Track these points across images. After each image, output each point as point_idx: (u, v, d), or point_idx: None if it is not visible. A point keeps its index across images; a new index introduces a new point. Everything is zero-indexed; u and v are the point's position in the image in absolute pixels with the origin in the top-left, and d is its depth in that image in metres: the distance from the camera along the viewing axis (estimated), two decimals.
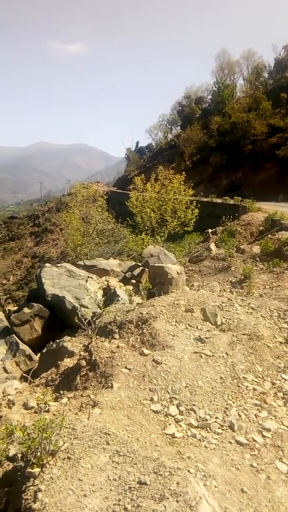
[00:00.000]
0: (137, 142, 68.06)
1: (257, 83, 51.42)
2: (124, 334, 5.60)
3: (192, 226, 17.97)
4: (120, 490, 2.33)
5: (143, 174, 21.18)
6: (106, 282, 10.44)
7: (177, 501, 2.18)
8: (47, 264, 10.83)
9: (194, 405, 3.95)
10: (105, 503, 2.23)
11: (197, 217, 17.86)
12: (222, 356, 4.89)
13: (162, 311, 6.04)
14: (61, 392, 4.31)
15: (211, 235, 18.76)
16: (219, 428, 3.73)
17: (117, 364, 4.46)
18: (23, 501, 2.32)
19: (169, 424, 3.67)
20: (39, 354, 7.55)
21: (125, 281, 11.19)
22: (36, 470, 2.50)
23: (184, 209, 17.84)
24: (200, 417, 3.83)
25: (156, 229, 17.73)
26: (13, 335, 8.22)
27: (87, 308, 8.51)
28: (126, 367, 4.46)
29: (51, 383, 4.76)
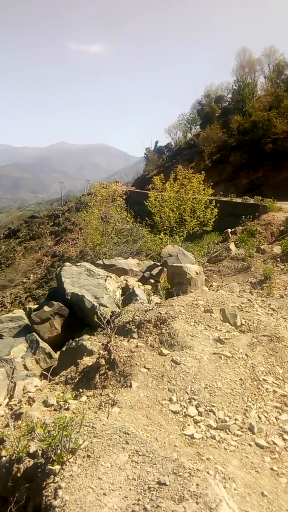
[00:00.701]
0: (156, 142, 67.98)
1: (278, 81, 50.53)
2: (143, 333, 5.60)
3: (211, 226, 17.83)
4: (140, 489, 2.33)
5: (162, 174, 21.11)
6: (124, 282, 10.47)
7: (197, 503, 2.16)
8: (66, 263, 10.93)
9: (213, 406, 3.92)
10: (124, 502, 2.24)
11: (216, 216, 17.71)
12: (242, 357, 4.83)
13: (180, 311, 6.02)
14: (81, 390, 4.34)
15: (230, 235, 18.60)
16: (238, 430, 3.69)
17: (136, 364, 4.47)
18: (44, 498, 2.35)
19: (188, 425, 3.65)
20: (58, 352, 7.64)
21: (143, 280, 11.20)
22: (56, 467, 2.53)
23: (203, 209, 17.72)
24: (219, 418, 3.80)
25: (175, 229, 17.67)
26: (34, 333, 8.33)
27: (106, 307, 8.56)
28: (145, 367, 4.46)
29: (70, 381, 4.80)
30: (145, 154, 61.25)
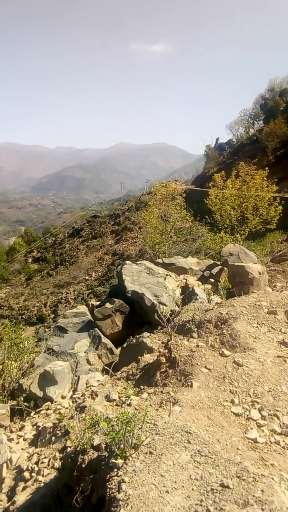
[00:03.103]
0: (217, 139, 66.67)
1: None
2: (203, 333, 5.53)
3: (275, 224, 17.14)
4: (202, 490, 2.31)
5: (223, 171, 20.69)
6: (184, 281, 10.43)
7: (262, 509, 2.10)
8: (127, 262, 11.13)
9: (277, 410, 3.77)
10: (187, 501, 2.23)
11: (281, 214, 16.99)
12: None
13: (242, 312, 5.85)
14: (141, 387, 4.40)
15: None
16: None
17: (197, 363, 4.43)
18: (108, 490, 2.42)
19: (251, 428, 3.55)
20: (119, 348, 7.81)
21: (203, 279, 11.07)
22: (120, 461, 2.59)
23: (267, 206, 17.10)
24: (284, 423, 3.64)
25: (236, 227, 17.25)
26: (96, 328, 8.60)
27: (166, 305, 8.59)
28: (205, 367, 4.41)
29: (131, 378, 4.89)
30: (205, 151, 60.35)
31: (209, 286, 10.10)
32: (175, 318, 6.41)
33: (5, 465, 4.27)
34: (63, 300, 42.07)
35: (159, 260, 12.47)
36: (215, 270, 11.42)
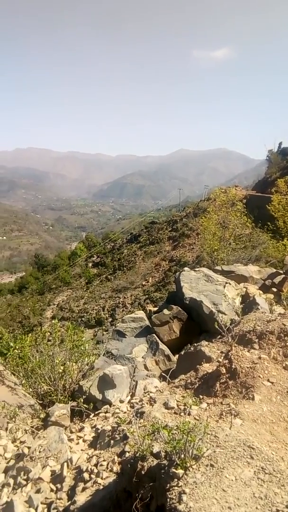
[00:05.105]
0: (280, 143, 64.23)
1: None
2: (265, 345, 5.32)
3: None
4: (267, 510, 2.20)
5: (286, 176, 19.90)
6: (244, 289, 10.12)
7: None
8: (185, 268, 11.05)
9: None
10: None
11: None
12: None
13: None
14: (200, 396, 4.33)
15: None
16: None
17: (259, 376, 4.27)
18: (168, 500, 2.39)
19: None
20: (176, 355, 7.75)
21: (264, 289, 10.66)
22: (180, 471, 2.55)
23: None
24: None
25: None
26: (154, 334, 8.62)
27: (225, 314, 8.39)
28: (268, 380, 4.24)
29: (190, 386, 4.83)
30: (267, 156, 58.49)
31: (271, 296, 9.72)
32: (235, 328, 6.24)
33: (66, 464, 4.39)
34: (120, 305, 42.84)
35: (218, 267, 12.24)
36: (277, 279, 10.96)
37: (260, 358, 4.77)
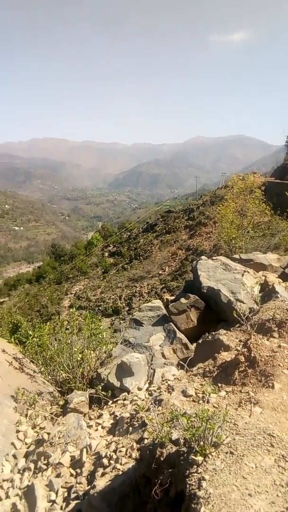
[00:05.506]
0: None
1: None
2: (284, 333, 5.25)
3: None
4: None
5: None
6: (263, 278, 9.98)
7: None
8: (203, 257, 10.96)
9: None
10: (272, 508, 2.12)
11: None
12: None
13: None
14: (219, 384, 4.30)
15: None
16: None
17: (279, 365, 4.21)
18: (187, 486, 2.39)
19: None
20: (194, 344, 7.74)
21: (284, 277, 10.50)
22: (199, 458, 2.55)
23: None
24: None
25: None
26: (171, 323, 8.62)
27: (243, 303, 8.30)
28: None
29: (208, 374, 4.81)
30: (286, 142, 57.27)
31: None
32: (253, 317, 6.17)
33: (85, 450, 4.46)
34: (137, 294, 43.03)
35: (236, 256, 12.10)
36: None
37: (279, 346, 4.70)
